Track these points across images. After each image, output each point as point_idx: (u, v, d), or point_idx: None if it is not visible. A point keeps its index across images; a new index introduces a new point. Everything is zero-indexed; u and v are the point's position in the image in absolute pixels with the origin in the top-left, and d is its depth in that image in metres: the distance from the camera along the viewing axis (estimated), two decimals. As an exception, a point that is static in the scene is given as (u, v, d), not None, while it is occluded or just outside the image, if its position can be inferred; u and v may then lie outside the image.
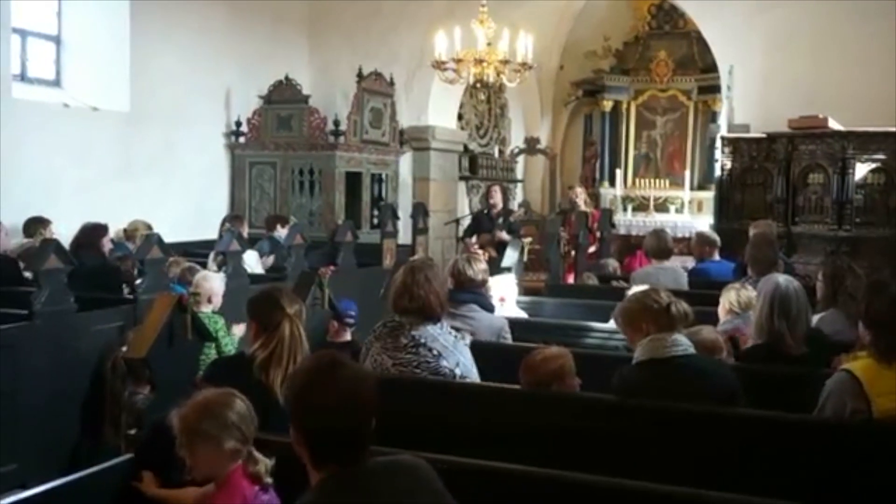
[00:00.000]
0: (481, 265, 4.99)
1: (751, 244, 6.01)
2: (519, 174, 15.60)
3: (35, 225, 7.20)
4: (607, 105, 14.85)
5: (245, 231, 8.49)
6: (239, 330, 5.72)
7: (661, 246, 6.78)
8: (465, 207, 13.25)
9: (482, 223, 10.55)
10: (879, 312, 3.34)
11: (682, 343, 3.48)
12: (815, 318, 4.60)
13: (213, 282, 5.86)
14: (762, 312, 4.04)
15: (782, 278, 4.17)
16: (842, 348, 4.00)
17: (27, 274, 6.26)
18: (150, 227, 7.71)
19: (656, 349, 3.46)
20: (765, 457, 3.17)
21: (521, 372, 3.62)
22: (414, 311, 3.82)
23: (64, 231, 7.21)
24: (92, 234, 6.76)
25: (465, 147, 13.45)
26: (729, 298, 4.85)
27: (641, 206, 14.58)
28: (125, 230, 7.85)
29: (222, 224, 9.02)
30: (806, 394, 3.52)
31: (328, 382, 2.12)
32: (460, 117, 13.29)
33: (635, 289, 4.58)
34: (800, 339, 4.03)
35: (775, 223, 8.54)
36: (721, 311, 4.89)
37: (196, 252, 8.42)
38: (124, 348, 5.18)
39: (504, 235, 9.65)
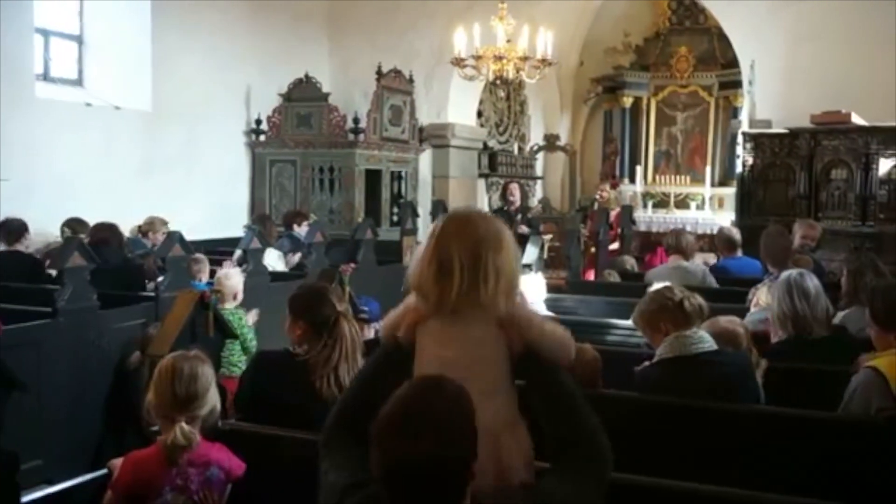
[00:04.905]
0: None
1: (762, 239, 5.96)
2: (538, 171, 15.58)
3: (73, 225, 7.20)
4: (627, 101, 14.79)
5: (273, 233, 8.46)
6: (251, 317, 5.76)
7: (678, 245, 6.74)
8: (484, 204, 13.23)
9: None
10: None
11: (706, 340, 3.47)
12: (840, 315, 4.58)
13: (234, 279, 5.89)
14: (782, 300, 4.09)
15: (795, 270, 4.26)
16: (866, 344, 3.96)
17: (51, 272, 6.31)
18: (165, 223, 7.75)
19: (681, 346, 3.44)
20: (790, 454, 3.15)
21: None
22: None
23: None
24: (103, 232, 6.75)
25: (485, 144, 13.45)
26: (759, 296, 5.02)
27: (662, 202, 14.52)
28: (140, 227, 7.89)
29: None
30: (832, 390, 3.50)
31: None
32: (480, 114, 13.28)
33: (657, 285, 4.57)
34: (822, 321, 4.06)
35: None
36: (751, 304, 5.03)
37: (217, 250, 8.47)
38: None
39: (524, 228, 9.66)
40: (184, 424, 2.77)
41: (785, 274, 4.24)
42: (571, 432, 2.11)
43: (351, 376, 3.21)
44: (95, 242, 6.54)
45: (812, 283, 4.10)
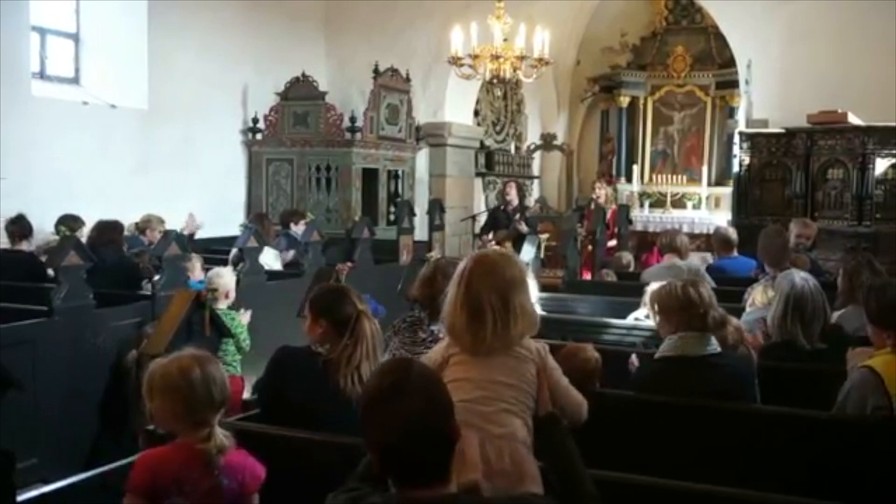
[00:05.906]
0: None
1: (760, 239, 5.96)
2: (535, 170, 15.57)
3: (68, 222, 7.19)
4: (624, 101, 14.78)
5: (272, 231, 8.47)
6: (245, 318, 5.74)
7: (672, 244, 6.73)
8: (481, 204, 13.24)
9: (498, 219, 10.56)
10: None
11: (712, 342, 3.47)
12: (836, 315, 4.57)
13: (226, 278, 5.88)
14: (777, 312, 4.04)
15: (799, 277, 4.14)
16: (862, 344, 3.96)
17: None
18: (162, 222, 7.74)
19: (686, 347, 3.44)
20: (788, 453, 3.16)
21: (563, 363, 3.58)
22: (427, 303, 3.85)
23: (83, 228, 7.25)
24: (107, 231, 6.76)
25: (482, 143, 13.43)
26: (755, 295, 4.95)
27: (659, 202, 14.51)
28: (136, 224, 7.89)
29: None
30: (824, 390, 3.50)
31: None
32: (476, 113, 13.28)
33: (654, 284, 4.57)
34: (814, 338, 4.01)
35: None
36: (748, 305, 4.97)
37: (214, 248, 8.46)
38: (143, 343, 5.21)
39: (523, 227, 9.71)
40: (218, 427, 2.73)
41: (787, 284, 4.08)
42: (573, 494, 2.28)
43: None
44: (100, 242, 6.54)
45: (812, 297, 3.99)
